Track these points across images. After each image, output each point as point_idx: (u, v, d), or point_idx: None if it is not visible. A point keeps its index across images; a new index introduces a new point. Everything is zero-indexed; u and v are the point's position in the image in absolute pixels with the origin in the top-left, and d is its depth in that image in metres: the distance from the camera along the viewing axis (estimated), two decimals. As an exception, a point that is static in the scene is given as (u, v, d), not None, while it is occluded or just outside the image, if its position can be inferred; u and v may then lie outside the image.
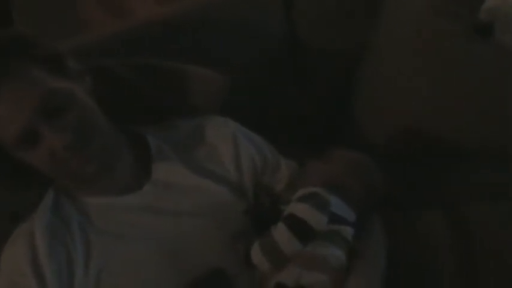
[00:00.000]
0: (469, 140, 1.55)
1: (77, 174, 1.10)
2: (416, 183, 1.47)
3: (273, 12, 1.72)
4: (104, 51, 1.42)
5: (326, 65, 1.71)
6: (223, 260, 1.10)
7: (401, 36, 1.61)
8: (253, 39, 1.63)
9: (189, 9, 1.60)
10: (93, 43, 1.46)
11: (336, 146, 1.25)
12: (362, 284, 1.06)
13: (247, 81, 1.55)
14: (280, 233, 1.06)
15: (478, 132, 1.55)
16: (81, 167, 1.09)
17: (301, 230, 1.06)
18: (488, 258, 1.30)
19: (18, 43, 1.09)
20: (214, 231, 1.13)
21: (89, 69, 1.19)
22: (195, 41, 1.53)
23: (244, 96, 1.52)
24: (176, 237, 1.12)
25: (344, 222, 1.11)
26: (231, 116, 1.29)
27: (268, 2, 1.71)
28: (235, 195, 1.19)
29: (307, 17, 1.75)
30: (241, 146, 1.24)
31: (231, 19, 1.61)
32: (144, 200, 1.16)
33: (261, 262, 1.06)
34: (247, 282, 1.09)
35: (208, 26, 1.57)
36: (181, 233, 1.12)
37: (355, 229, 1.12)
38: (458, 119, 1.55)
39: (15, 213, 1.20)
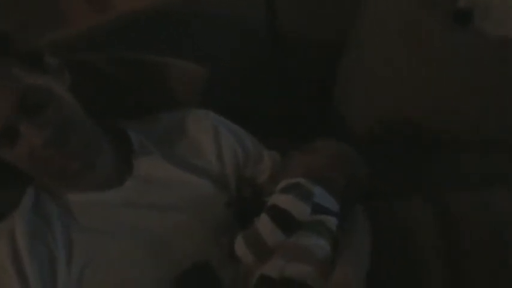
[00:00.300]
0: (451, 129, 1.56)
1: (60, 171, 1.09)
2: (398, 172, 1.47)
3: (254, 4, 1.71)
4: (85, 45, 1.41)
5: (308, 56, 1.71)
6: (207, 253, 1.09)
7: (383, 26, 1.61)
8: (234, 31, 1.63)
9: (170, 3, 1.59)
10: (75, 37, 1.44)
11: (319, 137, 1.24)
12: (347, 275, 1.05)
13: (229, 74, 1.55)
14: (264, 224, 1.06)
15: (460, 121, 1.55)
16: (64, 164, 1.08)
17: (285, 220, 1.05)
18: (471, 247, 1.30)
19: None
20: (198, 225, 1.13)
21: (68, 64, 1.18)
22: (176, 34, 1.52)
23: (226, 88, 1.52)
24: (159, 231, 1.11)
25: (328, 213, 1.10)
26: (212, 109, 1.28)
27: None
28: (217, 187, 1.19)
29: (288, 8, 1.75)
30: (223, 138, 1.24)
31: (212, 12, 1.61)
32: (126, 195, 1.15)
33: (245, 254, 1.05)
34: (232, 275, 1.09)
35: (189, 20, 1.56)
36: (165, 227, 1.11)
37: (339, 219, 1.11)
38: (440, 107, 1.55)
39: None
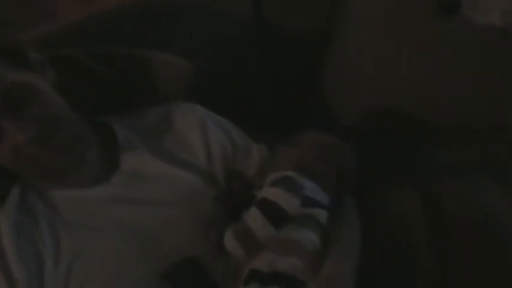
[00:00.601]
0: (438, 119, 1.56)
1: (45, 168, 1.08)
2: (387, 162, 1.47)
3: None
4: (71, 40, 1.40)
5: (294, 46, 1.70)
6: (196, 248, 1.09)
7: (368, 15, 1.60)
8: (219, 22, 1.61)
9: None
10: (60, 32, 1.43)
11: (306, 129, 1.23)
12: (337, 268, 1.05)
13: (215, 67, 1.54)
14: (253, 218, 1.05)
15: (447, 111, 1.55)
16: (49, 161, 1.06)
17: (274, 214, 1.05)
18: (460, 237, 1.30)
19: None
20: (187, 220, 1.12)
21: (52, 60, 1.16)
22: (162, 28, 1.51)
23: (212, 81, 1.51)
24: (148, 227, 1.10)
25: (318, 205, 1.10)
26: (198, 102, 1.27)
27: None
28: (206, 182, 1.18)
29: (275, 1, 1.73)
30: (210, 132, 1.23)
31: (198, 6, 1.60)
32: (113, 191, 1.15)
33: (235, 248, 1.04)
34: (222, 270, 1.08)
35: (175, 14, 1.55)
36: (153, 222, 1.11)
37: (329, 212, 1.10)
38: (427, 98, 1.55)
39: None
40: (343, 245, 1.10)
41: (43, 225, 1.10)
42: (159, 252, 1.08)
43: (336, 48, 1.67)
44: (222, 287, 1.07)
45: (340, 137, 1.21)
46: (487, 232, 1.30)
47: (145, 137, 1.22)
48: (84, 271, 1.06)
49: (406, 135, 1.56)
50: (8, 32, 1.12)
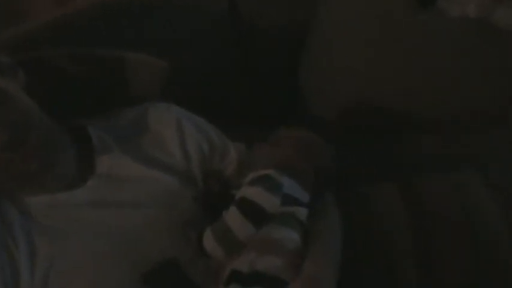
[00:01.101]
0: (418, 111, 1.56)
1: (20, 173, 1.05)
2: (367, 157, 1.47)
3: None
4: (42, 40, 1.37)
5: (272, 42, 1.70)
6: (176, 249, 1.08)
7: (347, 10, 1.60)
8: (195, 19, 1.60)
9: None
10: (31, 32, 1.40)
11: (285, 125, 1.23)
12: (318, 267, 1.04)
13: (191, 65, 1.53)
14: (233, 217, 1.05)
15: (427, 103, 1.56)
16: (23, 166, 1.04)
17: (254, 213, 1.04)
18: (442, 230, 1.30)
19: None
20: (165, 221, 1.11)
21: (23, 62, 1.14)
22: (137, 25, 1.49)
23: (188, 80, 1.50)
24: (125, 230, 1.09)
25: (298, 203, 1.09)
26: (174, 101, 1.26)
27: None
28: (183, 182, 1.17)
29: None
30: (187, 131, 1.21)
31: (173, 2, 1.59)
32: (89, 194, 1.13)
33: (215, 249, 1.04)
34: (203, 271, 1.07)
35: (151, 10, 1.53)
36: (131, 225, 1.09)
37: (309, 209, 1.10)
38: (406, 90, 1.55)
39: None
40: (324, 243, 1.10)
41: (18, 233, 1.07)
42: (138, 254, 1.06)
43: (314, 44, 1.67)
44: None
45: (319, 133, 1.21)
46: (469, 227, 1.31)
47: (121, 139, 1.20)
48: (62, 277, 1.04)
49: (387, 130, 1.56)
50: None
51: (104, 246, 1.07)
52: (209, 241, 1.04)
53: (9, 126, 1.01)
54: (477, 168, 1.40)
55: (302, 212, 1.09)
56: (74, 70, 1.26)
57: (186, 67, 1.46)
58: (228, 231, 1.03)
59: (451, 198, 1.35)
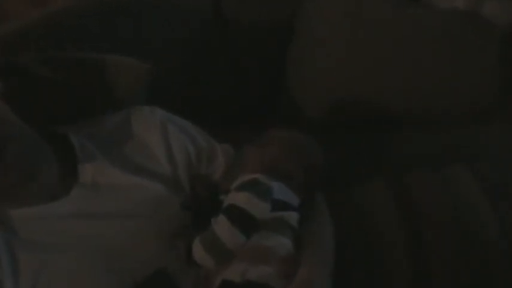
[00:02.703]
0: (408, 106, 1.56)
1: None
2: (357, 156, 1.46)
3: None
4: (20, 44, 1.34)
5: (255, 41, 1.68)
6: (164, 259, 1.05)
7: (330, 6, 1.58)
8: (178, 18, 1.57)
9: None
10: (9, 35, 1.37)
11: (273, 126, 1.21)
12: (312, 273, 1.03)
13: (174, 65, 1.51)
14: (221, 226, 1.02)
15: (416, 97, 1.56)
16: (2, 178, 1.01)
17: (244, 221, 1.02)
18: (433, 227, 1.30)
19: None
20: (152, 231, 1.08)
21: (-1, 69, 1.10)
22: (119, 25, 1.47)
23: (172, 81, 1.48)
24: (112, 241, 1.06)
25: (288, 208, 1.08)
26: (158, 104, 1.24)
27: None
28: (170, 189, 1.14)
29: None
30: (172, 136, 1.19)
31: (155, 2, 1.57)
32: (73, 205, 1.10)
33: (204, 259, 1.02)
34: (192, 281, 1.05)
35: (131, 10, 1.51)
36: (117, 236, 1.07)
37: (300, 213, 1.09)
38: (394, 85, 1.55)
39: None
40: (317, 247, 1.09)
41: (1, 249, 1.04)
42: (126, 266, 1.04)
43: (299, 41, 1.65)
44: (193, 298, 1.04)
45: (305, 131, 1.20)
46: (460, 224, 1.30)
47: (104, 146, 1.17)
48: None
49: (375, 127, 1.55)
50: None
51: (90, 259, 1.04)
52: (198, 251, 1.02)
53: None
54: (467, 164, 1.40)
55: (293, 217, 1.07)
56: (52, 76, 1.23)
57: (169, 68, 1.45)
58: (217, 240, 1.01)
59: (442, 195, 1.35)
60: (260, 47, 1.68)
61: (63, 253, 1.04)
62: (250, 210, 1.02)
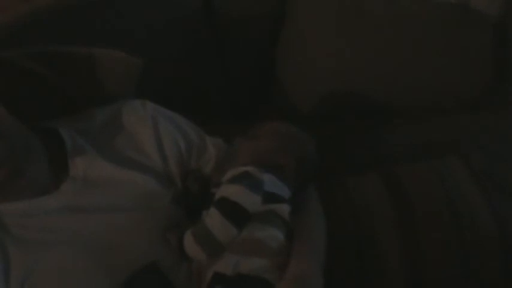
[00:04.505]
0: (399, 97, 1.56)
1: None
2: (349, 148, 1.46)
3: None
4: (5, 38, 1.33)
5: (246, 32, 1.67)
6: (156, 253, 1.05)
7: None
8: (168, 10, 1.56)
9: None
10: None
11: (263, 117, 1.22)
12: (304, 266, 1.03)
13: (165, 58, 1.50)
14: (213, 219, 1.02)
15: (408, 88, 1.55)
16: None
17: (235, 214, 1.02)
18: (425, 219, 1.30)
19: None
20: (143, 225, 1.08)
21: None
22: (107, 19, 1.46)
23: (162, 73, 1.47)
24: (103, 235, 1.05)
25: (279, 200, 1.07)
26: (148, 97, 1.23)
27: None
28: (161, 183, 1.14)
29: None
30: (163, 129, 1.18)
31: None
32: (63, 200, 1.09)
33: (196, 252, 1.02)
34: (185, 275, 1.05)
35: (120, 4, 1.50)
36: (108, 230, 1.06)
37: (292, 205, 1.09)
38: (386, 76, 1.54)
39: None
40: (309, 239, 1.09)
41: None
42: (118, 261, 1.03)
43: (289, 32, 1.64)
44: (186, 292, 1.03)
45: (297, 122, 1.19)
46: (455, 217, 1.30)
47: (94, 140, 1.16)
48: None
49: (367, 118, 1.54)
50: None
51: (82, 254, 1.03)
52: (190, 244, 1.02)
53: None
54: (459, 154, 1.40)
55: (284, 209, 1.07)
56: (41, 70, 1.22)
57: (159, 60, 1.43)
58: (208, 233, 1.01)
59: (434, 186, 1.34)
60: (250, 37, 1.68)
61: (55, 250, 1.03)
62: (241, 203, 1.02)
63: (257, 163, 1.09)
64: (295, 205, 1.10)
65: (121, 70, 1.30)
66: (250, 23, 1.65)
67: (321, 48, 1.57)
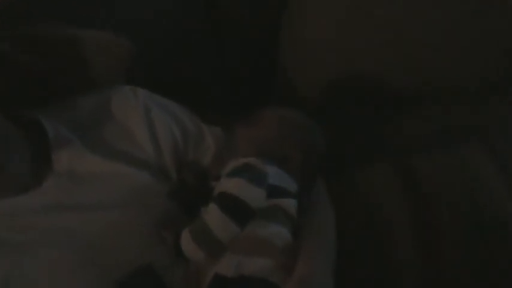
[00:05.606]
0: (411, 81, 1.49)
1: None
2: (359, 137, 1.42)
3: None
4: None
5: (246, 17, 1.62)
6: (150, 253, 1.00)
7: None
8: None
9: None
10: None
11: (266, 105, 1.16)
12: (312, 267, 0.98)
13: (158, 43, 1.45)
14: (212, 216, 0.97)
15: (421, 71, 1.48)
16: None
17: (236, 210, 0.98)
18: (446, 218, 1.26)
19: None
20: (136, 223, 1.03)
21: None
22: (99, 14, 1.40)
23: (155, 59, 1.42)
24: (92, 235, 1.01)
25: (285, 194, 1.03)
26: (140, 84, 1.18)
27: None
28: (155, 177, 1.09)
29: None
30: (156, 118, 1.14)
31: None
32: (47, 197, 1.04)
33: (193, 251, 0.97)
34: (181, 276, 1.00)
35: None
36: (98, 229, 1.01)
37: (298, 200, 1.05)
38: (396, 58, 1.47)
39: None
40: (317, 237, 1.05)
41: None
42: (108, 263, 0.98)
43: (293, 18, 1.59)
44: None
45: (303, 111, 1.15)
46: (471, 204, 1.26)
47: (81, 130, 1.12)
48: None
49: (376, 105, 1.49)
50: None
51: (68, 256, 0.98)
52: (187, 243, 0.97)
53: None
54: (480, 142, 1.36)
55: (291, 204, 1.03)
56: (22, 55, 1.16)
57: (155, 45, 1.41)
58: (207, 231, 0.96)
59: (455, 177, 1.29)
60: (250, 22, 1.63)
61: (36, 252, 0.98)
62: (243, 197, 0.98)
63: (260, 154, 1.05)
64: (302, 200, 1.05)
65: (111, 55, 1.26)
66: (251, 9, 1.62)
67: (325, 29, 1.52)
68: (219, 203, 0.97)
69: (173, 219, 1.03)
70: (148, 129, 1.12)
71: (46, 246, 0.99)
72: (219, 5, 1.61)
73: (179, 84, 1.23)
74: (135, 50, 1.26)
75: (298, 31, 1.57)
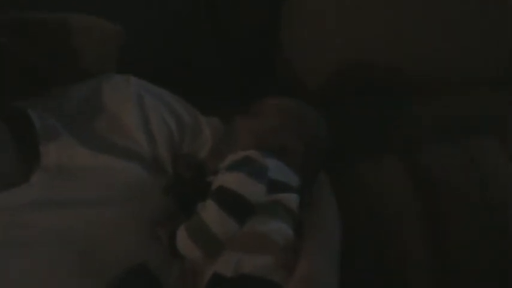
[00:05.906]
0: (417, 70, 1.48)
1: None
2: (361, 127, 1.40)
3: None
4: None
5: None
6: (145, 252, 0.97)
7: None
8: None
9: None
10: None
11: (267, 95, 1.13)
12: (315, 266, 0.96)
13: (152, 28, 1.43)
14: (210, 212, 0.94)
15: (427, 60, 1.48)
16: None
17: (235, 205, 0.95)
18: (452, 207, 1.23)
19: None
20: (130, 219, 0.99)
21: None
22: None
23: (148, 47, 1.40)
24: (82, 233, 0.96)
25: (286, 189, 1.00)
26: (133, 73, 1.15)
27: None
28: (149, 171, 1.06)
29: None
30: (150, 108, 1.10)
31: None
32: (34, 193, 0.99)
33: (189, 249, 0.94)
34: (177, 275, 0.98)
35: None
36: (89, 227, 0.97)
37: (300, 194, 1.02)
38: (400, 48, 1.47)
39: None
40: (321, 233, 1.03)
41: None
42: (100, 262, 0.95)
43: (294, 8, 1.57)
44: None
45: (308, 101, 1.12)
46: (483, 199, 1.23)
47: (70, 122, 1.08)
48: None
49: (381, 95, 1.47)
50: None
51: (58, 256, 0.94)
52: (183, 240, 0.95)
53: None
54: (493, 133, 1.33)
55: (293, 199, 1.00)
56: (5, 41, 1.11)
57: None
58: (205, 228, 0.94)
59: (465, 172, 1.27)
60: (252, 13, 1.61)
61: (26, 252, 0.94)
62: (242, 192, 0.95)
63: (260, 146, 1.02)
64: (305, 195, 1.03)
65: (101, 40, 1.22)
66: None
67: (324, 25, 1.51)
68: (217, 198, 0.95)
69: (169, 216, 1.01)
70: (142, 121, 1.09)
71: (33, 247, 0.94)
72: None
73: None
74: (124, 34, 1.22)
75: (300, 18, 1.55)
